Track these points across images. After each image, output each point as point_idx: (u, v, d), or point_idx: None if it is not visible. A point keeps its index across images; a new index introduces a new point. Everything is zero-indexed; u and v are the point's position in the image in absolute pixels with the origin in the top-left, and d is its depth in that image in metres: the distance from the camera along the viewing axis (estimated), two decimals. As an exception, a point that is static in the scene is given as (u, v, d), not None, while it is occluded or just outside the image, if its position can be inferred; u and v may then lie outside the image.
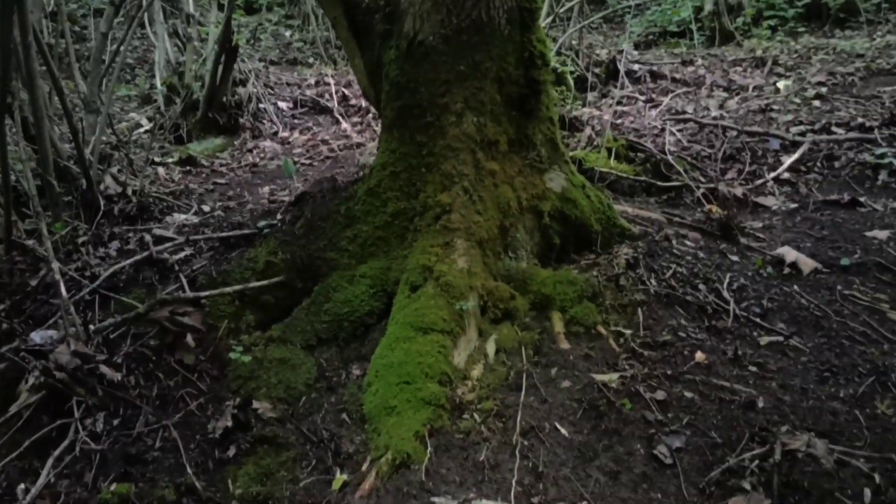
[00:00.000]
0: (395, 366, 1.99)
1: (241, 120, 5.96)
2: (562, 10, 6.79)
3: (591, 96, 6.48)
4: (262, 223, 2.73)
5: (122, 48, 3.81)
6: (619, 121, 5.25)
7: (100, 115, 3.52)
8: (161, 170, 4.17)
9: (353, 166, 4.42)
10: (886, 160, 3.71)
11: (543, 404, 1.95)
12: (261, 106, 6.17)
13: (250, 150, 5.48)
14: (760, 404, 1.89)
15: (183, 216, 3.12)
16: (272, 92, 6.54)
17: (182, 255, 2.56)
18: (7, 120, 2.52)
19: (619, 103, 6.15)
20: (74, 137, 2.81)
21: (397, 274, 2.37)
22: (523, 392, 1.99)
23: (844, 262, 2.72)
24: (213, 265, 2.48)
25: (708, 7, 9.44)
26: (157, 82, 6.28)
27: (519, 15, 2.55)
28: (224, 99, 6.00)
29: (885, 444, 1.70)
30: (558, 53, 6.48)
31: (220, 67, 5.87)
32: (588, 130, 4.30)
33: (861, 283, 2.56)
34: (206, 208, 3.35)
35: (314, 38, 9.18)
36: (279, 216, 2.79)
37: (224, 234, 2.69)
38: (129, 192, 3.10)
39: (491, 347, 2.21)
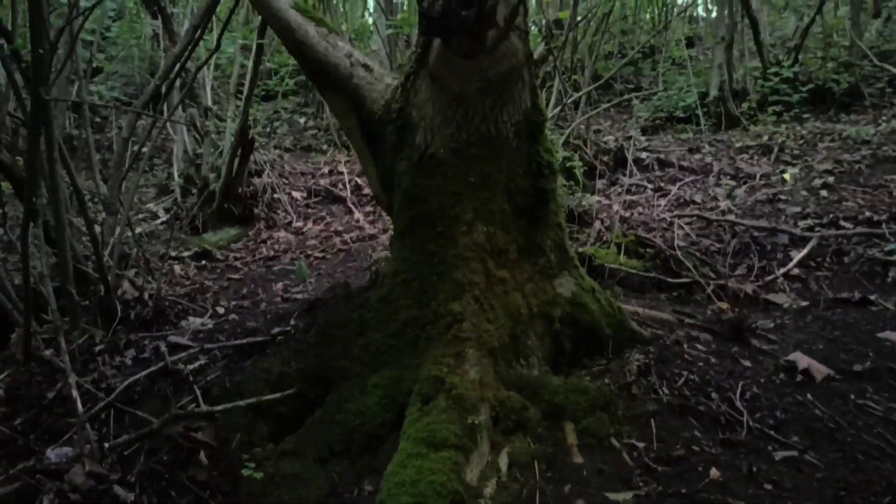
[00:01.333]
0: (407, 484, 1.98)
1: (256, 210, 6.08)
2: (569, 101, 6.95)
3: (599, 184, 6.58)
4: (275, 330, 2.77)
5: (143, 150, 3.93)
6: (628, 212, 5.32)
7: (119, 216, 3.61)
8: (177, 267, 4.24)
9: (366, 259, 4.48)
10: (895, 257, 3.74)
11: (557, 526, 1.93)
12: (275, 196, 6.29)
13: (264, 241, 5.57)
14: (778, 526, 1.87)
15: (198, 320, 3.17)
16: (287, 181, 6.68)
17: (197, 364, 2.59)
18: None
19: (627, 191, 6.24)
20: (94, 246, 2.89)
21: (409, 384, 2.38)
22: (537, 512, 1.97)
23: (857, 367, 2.72)
24: (227, 375, 2.51)
25: (713, 92, 9.64)
26: (175, 173, 6.44)
27: (526, 128, 2.64)
28: (239, 190, 6.14)
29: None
30: (566, 143, 6.61)
31: (237, 160, 6.04)
32: (598, 224, 4.36)
33: (874, 392, 2.55)
34: (220, 310, 3.40)
35: (328, 124, 9.41)
36: (293, 321, 2.83)
37: (238, 342, 2.72)
38: (146, 296, 3.15)
39: (504, 462, 2.21)
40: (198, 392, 2.38)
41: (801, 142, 7.56)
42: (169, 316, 3.17)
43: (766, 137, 7.79)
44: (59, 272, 2.82)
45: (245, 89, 5.81)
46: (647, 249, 3.96)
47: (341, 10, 12.01)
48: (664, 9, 14.12)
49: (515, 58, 2.57)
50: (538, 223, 2.68)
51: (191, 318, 3.19)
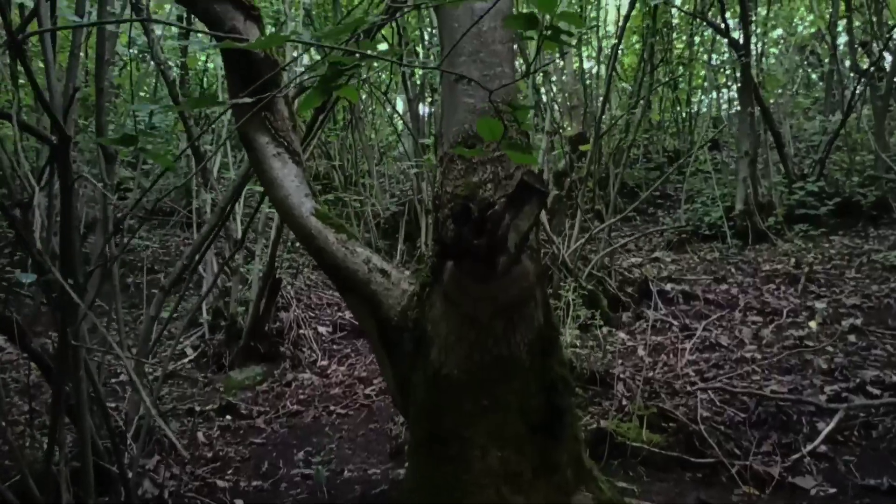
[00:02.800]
0: None
1: (282, 349, 6.15)
2: (595, 232, 7.03)
3: (625, 317, 6.58)
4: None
5: (174, 333, 4.04)
6: (651, 357, 5.29)
7: (144, 392, 3.68)
8: (201, 433, 4.29)
9: (387, 420, 4.48)
10: (926, 436, 3.65)
11: None
12: (301, 332, 6.37)
13: (289, 385, 5.61)
14: None
15: (216, 519, 3.19)
16: (313, 314, 6.78)
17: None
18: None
19: (652, 327, 6.22)
20: (114, 446, 2.94)
21: None
22: None
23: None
24: None
25: (739, 206, 9.67)
26: (204, 309, 6.56)
27: (540, 345, 2.67)
28: (266, 327, 6.24)
29: None
30: (590, 275, 6.65)
31: (264, 300, 6.15)
32: (620, 388, 4.34)
33: None
34: (238, 501, 3.41)
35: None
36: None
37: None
38: (166, 494, 3.19)
39: None
40: None
41: (829, 266, 7.51)
42: (187, 513, 3.19)
43: (793, 260, 7.75)
44: (81, 480, 2.86)
45: (272, 233, 5.98)
46: (670, 424, 3.91)
47: (370, 122, 12.38)
48: (689, 112, 14.35)
49: (527, 280, 2.62)
50: (553, 440, 2.68)
51: (208, 517, 3.22)
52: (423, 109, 11.28)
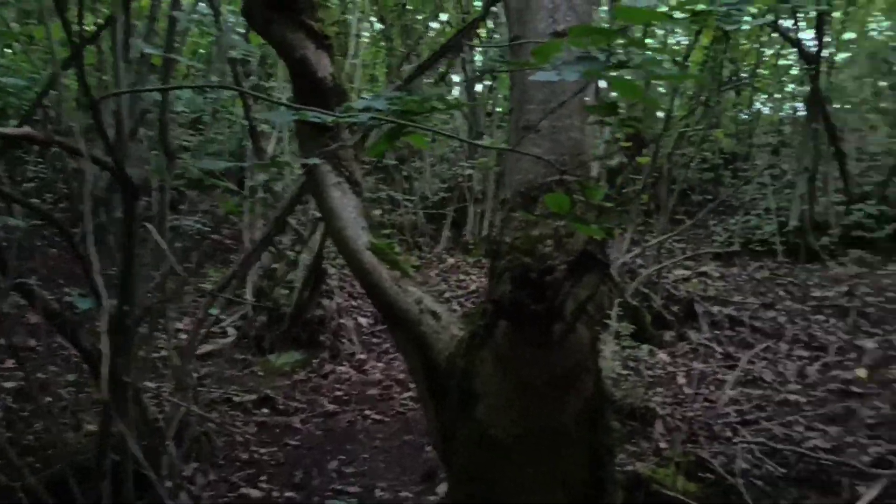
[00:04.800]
0: None
1: (322, 338, 6.20)
2: (647, 246, 6.94)
3: (668, 336, 6.50)
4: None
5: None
6: (690, 387, 5.22)
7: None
8: (237, 432, 4.36)
9: (422, 433, 4.50)
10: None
11: None
12: (341, 321, 6.41)
13: (326, 377, 5.67)
14: None
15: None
16: (354, 304, 6.81)
17: None
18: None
19: (694, 351, 6.14)
20: (154, 456, 3.00)
21: None
22: None
23: None
24: None
25: (793, 222, 9.44)
26: (248, 290, 6.63)
27: (589, 416, 2.63)
28: (308, 314, 6.29)
29: None
30: (636, 292, 6.56)
31: (309, 288, 6.20)
32: (659, 427, 4.30)
33: None
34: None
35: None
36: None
37: None
38: (203, 508, 3.26)
39: None
40: None
41: (882, 299, 7.30)
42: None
43: (845, 288, 7.56)
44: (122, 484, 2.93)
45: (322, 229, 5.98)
46: (708, 474, 3.87)
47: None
48: (750, 111, 13.95)
49: (582, 352, 2.58)
50: (593, 511, 2.66)
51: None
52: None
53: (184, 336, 4.74)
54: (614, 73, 1.70)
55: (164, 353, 4.07)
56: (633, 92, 1.77)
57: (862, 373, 5.34)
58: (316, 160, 3.03)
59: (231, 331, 6.40)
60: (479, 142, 8.78)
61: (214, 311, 4.22)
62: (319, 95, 2.98)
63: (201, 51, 9.79)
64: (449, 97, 12.31)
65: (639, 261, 7.10)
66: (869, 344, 6.05)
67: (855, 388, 5.18)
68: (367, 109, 2.06)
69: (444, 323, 3.00)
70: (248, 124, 6.45)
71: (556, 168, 2.70)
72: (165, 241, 3.16)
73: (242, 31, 6.70)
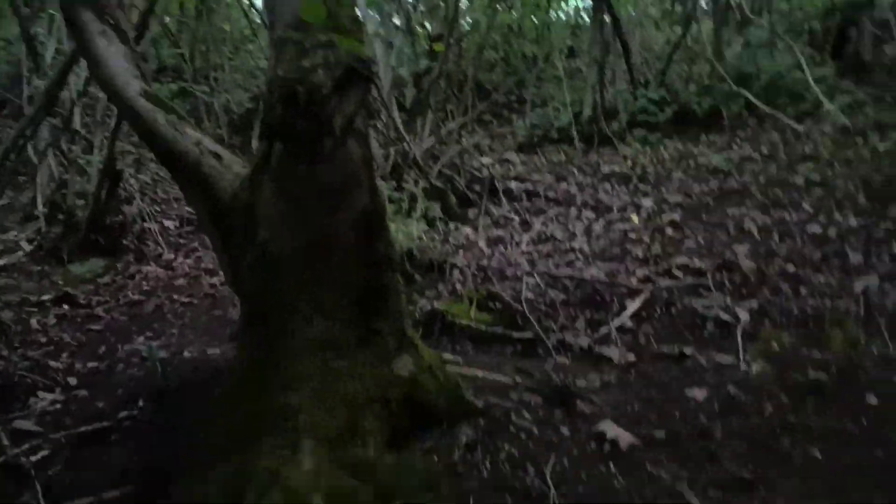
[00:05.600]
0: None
1: (125, 242, 6.04)
2: (446, 130, 7.23)
3: (471, 214, 6.88)
4: (122, 414, 2.87)
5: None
6: (490, 249, 5.62)
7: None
8: (34, 320, 4.23)
9: (230, 308, 4.58)
10: (713, 312, 4.16)
11: None
12: (146, 226, 6.26)
13: (132, 277, 5.56)
14: None
15: (48, 396, 3.22)
16: (159, 209, 6.65)
17: (40, 455, 2.67)
18: None
19: (496, 224, 6.56)
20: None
21: (249, 475, 2.55)
22: None
23: (658, 434, 3.07)
24: (70, 468, 2.60)
25: (586, 112, 10.14)
26: (39, 201, 6.29)
27: (365, 226, 2.83)
28: (107, 220, 6.08)
29: None
30: (441, 173, 6.88)
31: (104, 190, 5.97)
32: (456, 274, 4.63)
33: (668, 460, 2.89)
34: (72, 380, 3.45)
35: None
36: (140, 403, 2.94)
37: (83, 430, 2.81)
38: (-7, 374, 3.18)
39: (332, 548, 2.41)
40: (38, 489, 2.47)
41: (660, 167, 8.09)
42: (17, 392, 3.20)
43: (629, 162, 8.30)
44: None
45: (115, 120, 5.76)
46: (497, 304, 4.25)
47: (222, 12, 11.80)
48: (546, 19, 14.58)
49: (353, 163, 2.76)
50: (376, 313, 2.89)
51: (40, 395, 3.24)
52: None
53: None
54: None
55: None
56: None
57: (636, 219, 5.97)
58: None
59: (25, 244, 6.07)
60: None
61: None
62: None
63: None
64: None
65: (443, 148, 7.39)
66: (646, 202, 6.73)
67: (632, 236, 5.78)
68: None
69: (226, 163, 3.07)
70: None
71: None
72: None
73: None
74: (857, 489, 2.76)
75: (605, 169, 8.25)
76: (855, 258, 4.82)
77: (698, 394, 3.46)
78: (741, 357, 3.73)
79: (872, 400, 3.34)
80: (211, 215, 3.03)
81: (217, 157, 3.06)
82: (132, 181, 6.54)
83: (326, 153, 2.69)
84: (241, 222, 2.90)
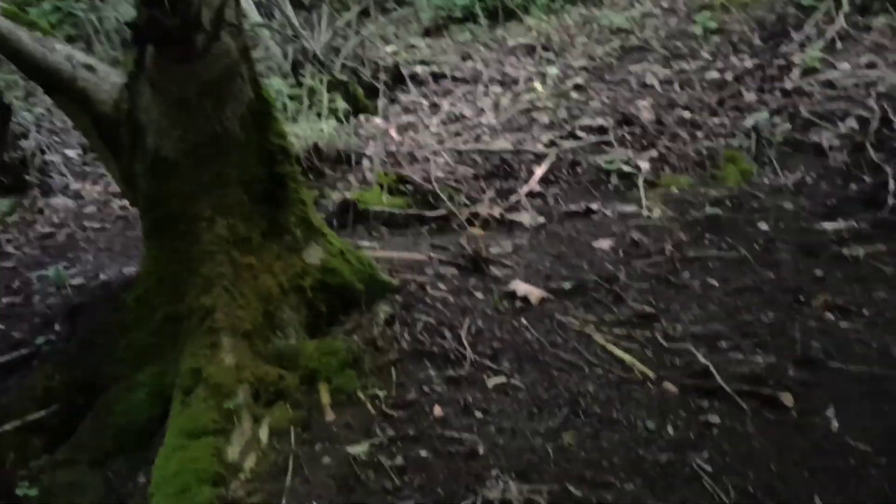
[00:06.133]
0: (171, 476, 2.26)
1: (28, 177, 5.84)
2: (341, 25, 7.05)
3: (381, 104, 6.81)
4: (40, 340, 2.89)
5: None
6: (400, 136, 5.62)
7: None
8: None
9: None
10: (615, 165, 4.30)
11: (306, 485, 2.29)
12: (47, 158, 6.05)
13: (41, 212, 5.42)
14: (480, 451, 2.32)
15: (-36, 333, 3.20)
16: (59, 140, 6.40)
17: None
18: None
19: (406, 110, 6.53)
20: None
21: (172, 378, 2.62)
22: (289, 476, 2.33)
23: (566, 285, 3.23)
24: (-6, 397, 2.64)
25: (489, -13, 9.95)
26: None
27: (253, 120, 2.81)
28: (5, 158, 5.84)
29: (565, 475, 2.18)
30: (344, 66, 6.75)
31: (-5, 127, 5.71)
32: (365, 163, 4.65)
33: (574, 308, 3.07)
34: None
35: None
36: (57, 327, 2.95)
37: (2, 361, 2.83)
38: None
39: (264, 433, 2.53)
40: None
41: (565, 34, 8.07)
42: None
43: (535, 32, 8.25)
44: None
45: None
46: (408, 186, 4.30)
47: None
48: None
49: (229, 57, 2.70)
50: (279, 206, 2.92)
51: (-42, 332, 3.22)
52: None
53: None
54: None
55: None
56: None
57: (539, 87, 6.01)
58: None
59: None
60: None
61: None
62: None
63: None
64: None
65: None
66: (551, 70, 6.75)
67: (538, 104, 5.83)
68: None
69: (101, 74, 2.97)
70: None
71: None
72: None
73: None
74: (750, 308, 3.00)
75: (511, 42, 8.18)
76: (749, 97, 5.00)
77: (604, 244, 3.63)
78: (643, 204, 3.89)
79: (763, 226, 3.56)
80: (96, 129, 2.96)
81: (90, 68, 2.95)
82: (25, 114, 6.25)
83: (200, 49, 2.62)
84: (127, 131, 2.85)
